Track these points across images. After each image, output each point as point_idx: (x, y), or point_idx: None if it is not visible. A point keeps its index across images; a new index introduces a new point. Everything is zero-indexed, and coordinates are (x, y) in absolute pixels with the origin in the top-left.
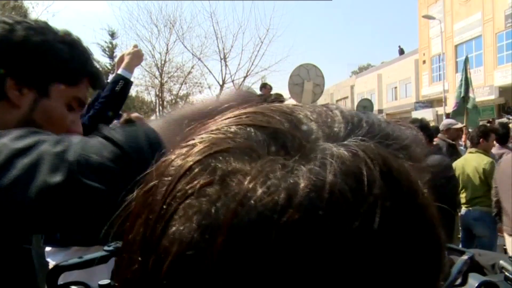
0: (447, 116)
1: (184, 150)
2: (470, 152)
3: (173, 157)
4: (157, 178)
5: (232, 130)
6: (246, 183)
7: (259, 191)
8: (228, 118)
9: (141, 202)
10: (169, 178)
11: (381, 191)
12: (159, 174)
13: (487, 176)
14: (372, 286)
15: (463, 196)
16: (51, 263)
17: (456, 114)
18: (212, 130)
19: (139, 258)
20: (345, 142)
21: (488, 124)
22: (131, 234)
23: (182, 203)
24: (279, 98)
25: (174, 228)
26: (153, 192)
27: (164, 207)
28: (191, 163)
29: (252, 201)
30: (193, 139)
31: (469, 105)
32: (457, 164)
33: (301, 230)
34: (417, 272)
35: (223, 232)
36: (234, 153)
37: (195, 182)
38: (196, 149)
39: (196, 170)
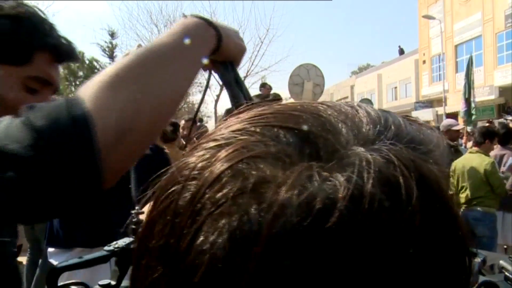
0: (447, 116)
1: (209, 153)
2: (471, 152)
3: (196, 159)
4: (180, 182)
5: (258, 131)
6: (281, 193)
7: (296, 201)
8: (252, 117)
9: (161, 207)
10: (194, 182)
11: (418, 200)
12: (181, 178)
13: (488, 176)
14: None
15: (463, 196)
16: (55, 264)
17: (468, 114)
18: (236, 130)
19: (159, 267)
20: (376, 147)
21: (488, 124)
22: (152, 240)
23: (212, 213)
24: (277, 97)
25: (203, 238)
26: (176, 197)
27: (192, 215)
28: (221, 169)
29: (289, 212)
30: (216, 139)
31: (471, 106)
32: (457, 164)
33: (341, 242)
34: (451, 281)
35: (260, 245)
36: (265, 158)
37: (225, 190)
38: (224, 153)
39: (226, 177)
